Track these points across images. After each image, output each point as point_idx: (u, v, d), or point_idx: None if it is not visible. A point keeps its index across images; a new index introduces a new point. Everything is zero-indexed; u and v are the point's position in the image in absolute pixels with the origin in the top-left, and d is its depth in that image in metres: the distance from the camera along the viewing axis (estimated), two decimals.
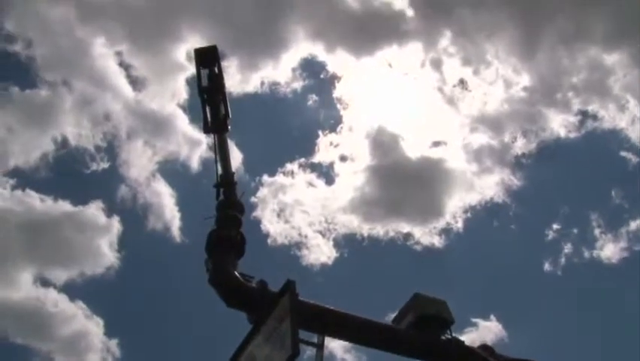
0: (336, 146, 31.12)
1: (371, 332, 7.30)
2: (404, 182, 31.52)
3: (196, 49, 9.20)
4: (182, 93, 29.46)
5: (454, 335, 7.68)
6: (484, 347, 7.67)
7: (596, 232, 30.72)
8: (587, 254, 30.02)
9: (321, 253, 29.16)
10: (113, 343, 27.71)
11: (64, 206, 29.01)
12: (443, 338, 7.57)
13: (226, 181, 8.71)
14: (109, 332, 27.74)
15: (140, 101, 30.03)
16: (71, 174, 30.25)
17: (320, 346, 7.65)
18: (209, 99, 9.03)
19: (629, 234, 30.29)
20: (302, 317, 6.67)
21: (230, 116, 9.13)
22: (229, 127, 9.06)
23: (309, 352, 7.66)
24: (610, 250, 29.71)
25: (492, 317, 24.73)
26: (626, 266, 29.59)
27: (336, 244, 29.59)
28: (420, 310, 7.56)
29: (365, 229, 29.32)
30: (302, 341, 7.48)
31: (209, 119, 9.03)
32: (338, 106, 32.69)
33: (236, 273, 7.48)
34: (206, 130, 9.05)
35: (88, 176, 29.16)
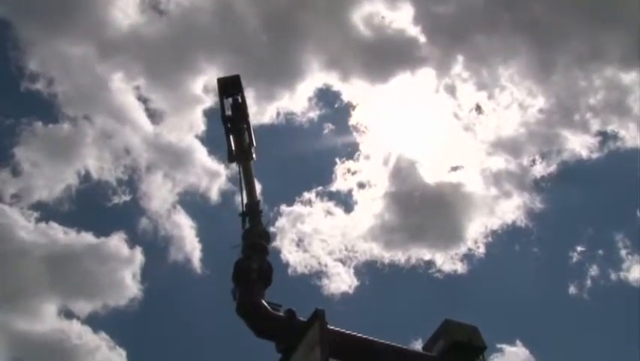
0: (353, 173, 31.06)
1: (402, 359, 7.15)
2: (424, 208, 31.29)
3: (219, 78, 9.26)
4: (200, 125, 29.75)
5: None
6: None
7: (623, 253, 30.22)
8: (613, 276, 29.50)
9: (341, 281, 28.92)
10: None
11: (88, 238, 29.23)
12: None
13: (252, 210, 8.67)
14: None
15: (158, 134, 30.34)
16: (94, 207, 30.53)
17: None
18: (233, 128, 9.04)
19: None
20: (331, 345, 6.58)
21: (255, 144, 9.13)
22: (254, 155, 9.05)
23: None
24: (638, 271, 29.16)
25: (518, 342, 24.21)
26: None
27: (357, 272, 29.37)
28: (451, 336, 7.41)
29: (386, 256, 29.07)
30: None
31: (233, 148, 9.00)
32: (354, 134, 32.64)
33: (263, 302, 7.41)
34: (231, 159, 9.03)
35: (110, 209, 29.41)
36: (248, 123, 9.16)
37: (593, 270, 28.86)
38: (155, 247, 29.02)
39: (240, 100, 9.14)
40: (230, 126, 9.08)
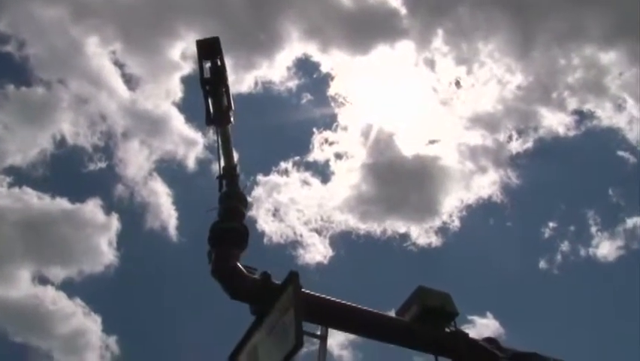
0: (331, 144, 31.08)
1: (375, 323, 7.25)
2: (400, 180, 31.58)
3: (198, 40, 9.10)
4: (178, 92, 29.44)
5: (458, 327, 7.63)
6: (489, 339, 7.62)
7: (593, 230, 30.84)
8: (583, 252, 30.17)
9: (316, 251, 29.14)
10: (112, 340, 27.70)
11: (62, 203, 28.97)
12: (447, 330, 7.52)
13: (229, 173, 8.64)
14: (107, 330, 27.73)
15: (135, 100, 30.00)
16: (69, 173, 30.24)
17: (323, 338, 7.61)
18: (212, 91, 8.94)
19: (625, 232, 30.41)
20: (305, 308, 6.63)
21: (233, 108, 9.05)
22: (232, 119, 8.98)
23: (311, 347, 7.65)
24: (606, 249, 29.84)
25: (489, 314, 24.72)
26: (623, 265, 29.67)
27: (332, 243, 29.60)
28: (424, 302, 7.51)
29: (362, 227, 29.32)
30: (305, 333, 7.44)
31: (211, 111, 8.92)
32: (332, 104, 32.58)
33: (239, 265, 7.43)
34: (209, 122, 8.95)
35: (85, 175, 29.13)
36: (227, 87, 9.05)
37: (564, 245, 29.54)
38: (131, 214, 28.94)
39: (219, 63, 9.02)
40: (208, 89, 8.97)
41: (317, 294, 7.14)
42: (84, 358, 29.23)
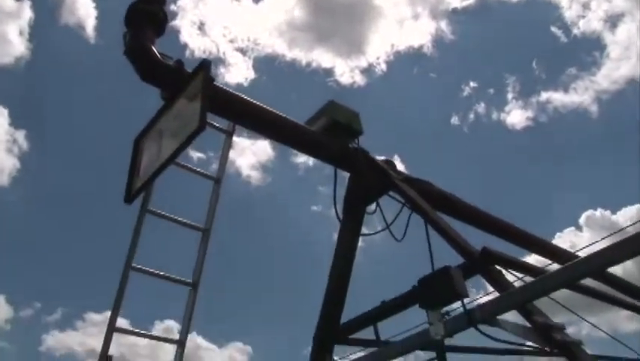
0: None
1: (283, 127, 7.39)
2: (334, 12, 30.95)
3: None
4: None
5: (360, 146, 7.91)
6: (387, 161, 7.97)
7: (509, 96, 31.93)
8: (495, 116, 31.45)
9: (238, 72, 28.70)
10: (20, 134, 27.09)
11: None
12: (350, 146, 7.80)
13: None
14: (15, 123, 26.98)
15: None
16: None
17: (229, 134, 7.77)
18: None
19: (538, 104, 31.76)
20: (215, 100, 6.65)
21: None
22: None
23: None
24: (517, 118, 31.24)
25: (397, 157, 25.81)
26: (527, 135, 31.32)
27: (255, 66, 29.17)
28: (333, 116, 7.68)
29: (288, 55, 28.97)
30: (212, 126, 7.54)
31: None
32: None
33: (154, 48, 7.23)
34: None
35: None
36: None
37: (480, 107, 30.59)
38: (46, 4, 27.12)
39: None
40: None
41: (229, 89, 7.12)
42: None
